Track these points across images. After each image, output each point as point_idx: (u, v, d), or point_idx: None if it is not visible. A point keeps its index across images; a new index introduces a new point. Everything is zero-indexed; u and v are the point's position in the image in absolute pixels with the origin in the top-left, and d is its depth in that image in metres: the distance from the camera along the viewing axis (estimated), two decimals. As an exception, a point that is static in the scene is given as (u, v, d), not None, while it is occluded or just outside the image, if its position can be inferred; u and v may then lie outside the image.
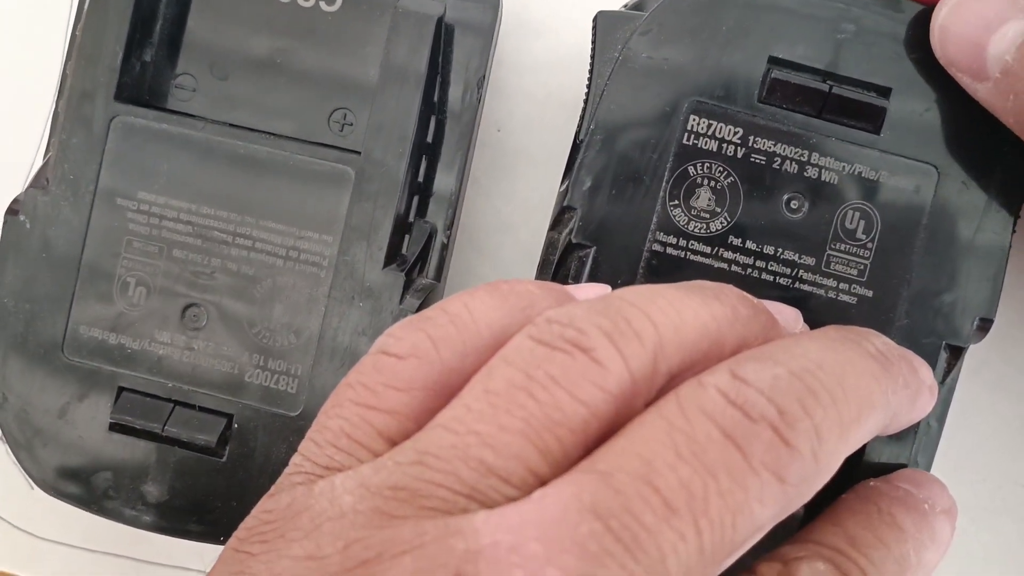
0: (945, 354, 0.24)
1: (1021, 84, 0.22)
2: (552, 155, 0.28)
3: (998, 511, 0.29)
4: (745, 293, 0.21)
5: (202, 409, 0.25)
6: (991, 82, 0.22)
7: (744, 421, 0.17)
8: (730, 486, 0.17)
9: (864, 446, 0.24)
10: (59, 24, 0.30)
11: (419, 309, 0.25)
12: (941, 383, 0.24)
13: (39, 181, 0.25)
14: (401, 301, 0.25)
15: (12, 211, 0.25)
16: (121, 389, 0.25)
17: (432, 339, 0.19)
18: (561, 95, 0.29)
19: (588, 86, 0.25)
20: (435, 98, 0.26)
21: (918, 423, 0.24)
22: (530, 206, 0.29)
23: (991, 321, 0.24)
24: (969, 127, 0.24)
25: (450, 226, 0.26)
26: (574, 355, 0.18)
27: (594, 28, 0.25)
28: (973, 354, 0.28)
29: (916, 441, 0.24)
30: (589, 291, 0.22)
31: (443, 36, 0.25)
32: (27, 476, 0.25)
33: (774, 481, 0.17)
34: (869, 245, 0.24)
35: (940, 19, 0.23)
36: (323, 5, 0.26)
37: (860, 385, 0.19)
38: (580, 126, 0.25)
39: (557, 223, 0.25)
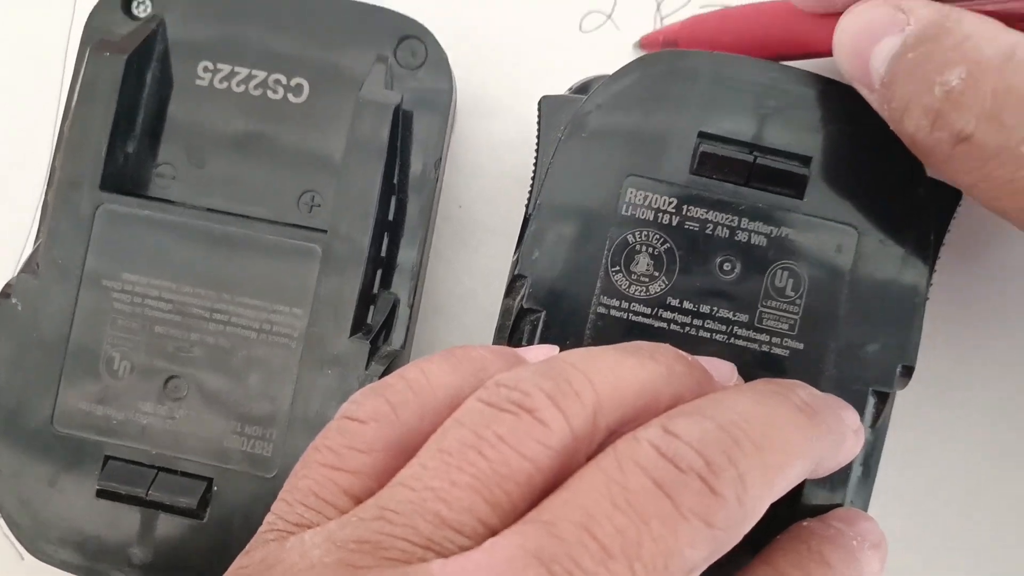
0: (873, 399, 0.26)
1: (894, 96, 0.24)
2: (508, 227, 0.30)
3: (936, 545, 0.31)
4: (680, 352, 0.23)
5: (184, 474, 0.27)
6: (875, 93, 0.24)
7: (674, 472, 0.19)
8: (662, 532, 0.18)
9: (801, 490, 0.26)
10: (48, 118, 0.32)
11: (384, 375, 0.27)
12: (871, 427, 0.26)
13: (30, 266, 0.27)
14: (367, 367, 0.27)
15: (4, 294, 0.27)
16: (107, 458, 0.27)
17: (391, 404, 0.21)
18: (515, 172, 0.31)
19: (535, 162, 0.27)
20: (395, 179, 0.28)
21: (850, 465, 0.26)
22: (489, 275, 0.31)
23: (912, 368, 0.26)
24: (883, 188, 0.26)
25: (413, 296, 0.28)
26: (519, 416, 0.20)
27: (539, 111, 0.27)
28: (906, 397, 0.30)
29: (849, 483, 0.26)
30: (538, 352, 0.24)
31: (401, 122, 0.28)
32: (18, 545, 0.27)
33: (703, 526, 0.19)
34: (798, 301, 0.26)
35: (836, 32, 0.25)
36: (291, 97, 0.28)
37: (783, 435, 0.21)
38: (529, 200, 0.27)
39: (511, 290, 0.27)
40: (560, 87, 0.30)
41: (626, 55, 0.32)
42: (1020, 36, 0.23)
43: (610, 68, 0.28)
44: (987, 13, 0.23)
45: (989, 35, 0.23)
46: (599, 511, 0.18)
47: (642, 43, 0.32)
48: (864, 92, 0.25)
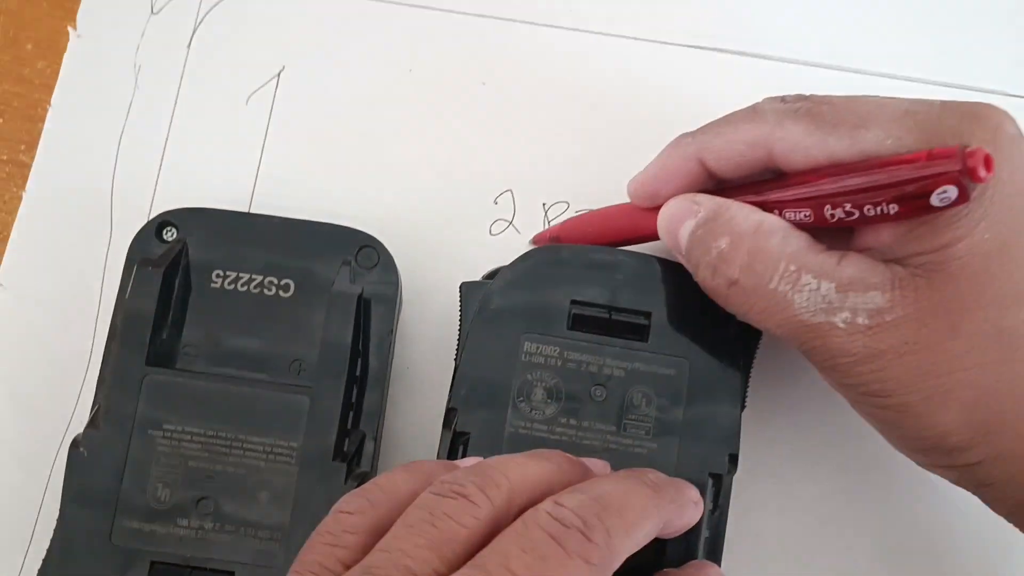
0: (711, 480, 0.36)
1: (691, 258, 0.35)
2: (444, 381, 0.39)
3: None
4: (568, 455, 0.33)
5: (212, 571, 0.36)
6: (683, 257, 0.36)
7: (561, 528, 0.27)
8: (555, 566, 0.27)
9: (665, 547, 0.35)
10: (91, 308, 0.43)
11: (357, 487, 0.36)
12: (714, 501, 0.36)
13: (93, 423, 0.37)
14: (345, 483, 0.36)
15: (74, 445, 0.37)
16: (152, 563, 0.36)
17: (370, 501, 0.30)
18: (447, 337, 0.41)
19: (459, 329, 0.38)
20: (360, 346, 0.38)
21: (698, 528, 0.35)
22: (432, 417, 0.41)
23: (736, 455, 0.36)
24: (704, 330, 0.37)
25: (376, 432, 0.39)
26: (458, 499, 0.28)
27: (461, 292, 0.38)
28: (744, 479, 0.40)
29: (700, 543, 0.36)
30: (469, 462, 0.34)
31: (363, 306, 0.39)
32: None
33: (583, 563, 0.27)
34: (651, 414, 0.37)
35: (658, 220, 0.37)
36: (281, 293, 0.39)
37: (637, 503, 0.30)
38: (457, 356, 0.38)
39: (447, 421, 0.37)
40: (476, 274, 0.40)
41: (523, 248, 0.41)
42: (766, 215, 0.34)
43: (512, 259, 0.40)
44: (749, 203, 0.35)
45: (744, 215, 0.34)
46: (513, 554, 0.27)
47: (534, 240, 0.44)
48: (680, 259, 0.36)
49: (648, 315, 0.37)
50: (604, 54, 0.46)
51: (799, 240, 0.34)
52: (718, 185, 0.37)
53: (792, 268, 0.33)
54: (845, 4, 0.47)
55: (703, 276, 0.35)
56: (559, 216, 0.44)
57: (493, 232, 0.44)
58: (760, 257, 0.33)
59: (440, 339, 0.42)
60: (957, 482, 0.35)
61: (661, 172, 0.37)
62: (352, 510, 0.30)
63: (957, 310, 0.32)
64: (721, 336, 0.37)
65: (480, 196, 0.45)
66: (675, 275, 0.37)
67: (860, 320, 0.32)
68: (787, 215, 0.34)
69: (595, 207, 0.44)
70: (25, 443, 0.42)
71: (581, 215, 0.42)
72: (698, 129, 0.37)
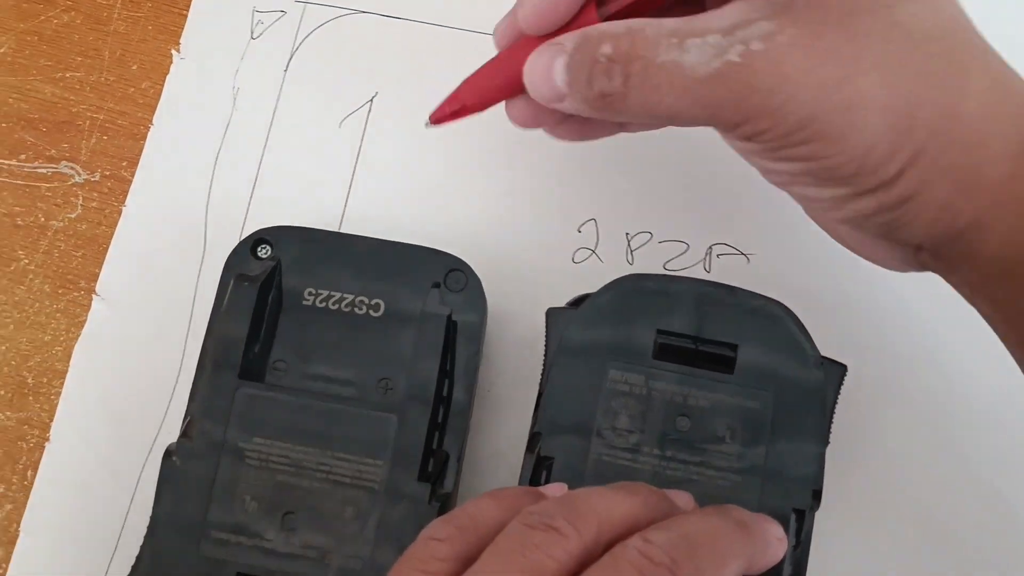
0: (794, 515, 0.36)
1: (576, 91, 0.33)
2: (526, 404, 0.40)
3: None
4: (653, 488, 0.33)
5: (296, 584, 0.37)
6: (566, 100, 0.34)
7: (651, 565, 0.28)
8: None
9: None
10: (183, 321, 0.44)
11: (440, 509, 0.37)
12: (797, 537, 0.36)
13: (186, 434, 0.38)
14: (429, 503, 0.37)
15: (168, 455, 0.38)
16: (238, 574, 0.37)
17: (459, 528, 0.31)
18: (531, 361, 0.42)
19: (544, 355, 0.38)
20: (447, 368, 0.39)
21: (780, 565, 0.35)
22: (513, 439, 0.42)
23: (820, 491, 0.36)
24: (790, 365, 0.37)
25: (460, 453, 0.39)
26: (548, 532, 0.28)
27: (547, 319, 0.39)
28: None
29: (783, 578, 0.36)
30: (554, 489, 0.34)
31: (450, 328, 0.39)
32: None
33: None
34: (734, 447, 0.37)
35: (525, 72, 0.34)
36: (371, 312, 0.40)
37: (724, 542, 0.31)
38: (541, 382, 0.38)
39: (531, 445, 0.37)
40: (559, 300, 0.41)
41: (607, 277, 0.40)
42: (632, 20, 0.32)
43: (594, 287, 0.40)
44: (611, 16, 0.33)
45: (612, 25, 0.32)
46: None
47: (432, 119, 0.37)
48: (559, 107, 0.34)
49: (734, 347, 0.37)
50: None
51: (672, 20, 0.33)
52: None
53: (674, 40, 0.32)
54: None
55: (592, 92, 0.33)
56: (642, 246, 0.45)
57: (576, 260, 0.45)
58: (641, 42, 0.32)
59: (522, 361, 0.43)
60: (889, 229, 0.34)
61: None
62: (441, 537, 0.30)
63: (846, 15, 0.31)
64: (807, 370, 0.37)
65: (564, 224, 0.45)
66: (763, 307, 0.37)
67: (755, 46, 0.31)
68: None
69: (678, 240, 0.44)
70: (115, 449, 0.43)
71: (479, 69, 0.37)
72: None
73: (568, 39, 0.33)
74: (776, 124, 0.32)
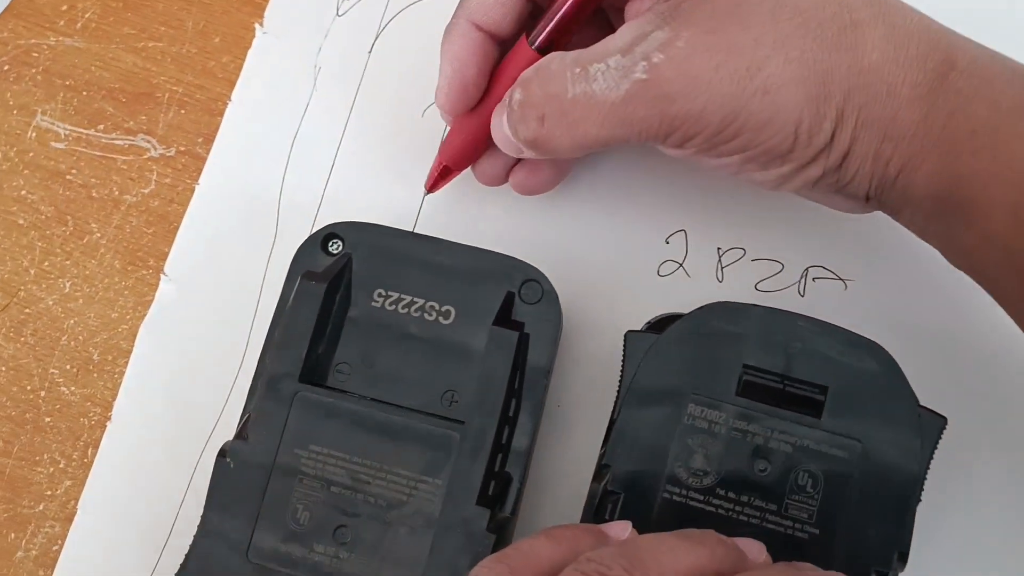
0: (875, 577, 0.34)
1: (518, 142, 0.37)
2: (595, 425, 0.38)
3: None
4: (722, 536, 0.31)
5: (343, 601, 0.35)
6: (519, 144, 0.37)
7: None
8: None
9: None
10: (246, 320, 0.43)
11: (497, 538, 0.35)
12: (877, 602, 0.34)
13: (241, 434, 0.37)
14: (487, 527, 0.35)
15: (222, 454, 0.37)
16: (287, 585, 0.35)
17: (511, 569, 0.29)
18: (603, 381, 0.40)
19: (620, 380, 0.36)
20: (516, 385, 0.37)
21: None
22: (579, 462, 0.39)
23: (907, 553, 0.34)
24: (884, 414, 0.34)
25: (523, 476, 0.37)
26: None
27: (624, 342, 0.36)
28: None
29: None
30: (617, 527, 0.32)
31: (522, 343, 0.37)
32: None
33: None
34: (816, 496, 0.34)
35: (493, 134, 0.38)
36: (441, 319, 0.38)
37: None
38: (615, 409, 0.36)
39: (597, 475, 0.35)
40: (639, 317, 0.39)
41: (693, 295, 0.40)
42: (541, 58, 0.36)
43: (679, 305, 0.38)
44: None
45: (527, 69, 0.36)
46: None
47: (427, 189, 0.41)
48: (528, 155, 0.37)
49: (824, 390, 0.35)
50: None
51: (574, 53, 0.35)
52: (505, 49, 0.38)
53: (577, 70, 0.34)
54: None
55: (521, 139, 0.36)
56: (733, 263, 0.42)
57: (661, 273, 0.42)
58: (547, 79, 0.35)
59: (595, 380, 0.41)
60: (838, 187, 0.35)
61: (455, 61, 0.37)
62: None
63: (734, 5, 0.33)
64: (902, 422, 0.34)
65: (651, 234, 0.43)
66: (859, 348, 0.35)
67: (656, 58, 0.33)
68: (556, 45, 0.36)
69: (773, 259, 0.42)
70: (175, 434, 0.42)
71: (452, 140, 0.40)
72: (457, 7, 0.38)
73: (516, 88, 0.36)
74: (703, 126, 0.33)
